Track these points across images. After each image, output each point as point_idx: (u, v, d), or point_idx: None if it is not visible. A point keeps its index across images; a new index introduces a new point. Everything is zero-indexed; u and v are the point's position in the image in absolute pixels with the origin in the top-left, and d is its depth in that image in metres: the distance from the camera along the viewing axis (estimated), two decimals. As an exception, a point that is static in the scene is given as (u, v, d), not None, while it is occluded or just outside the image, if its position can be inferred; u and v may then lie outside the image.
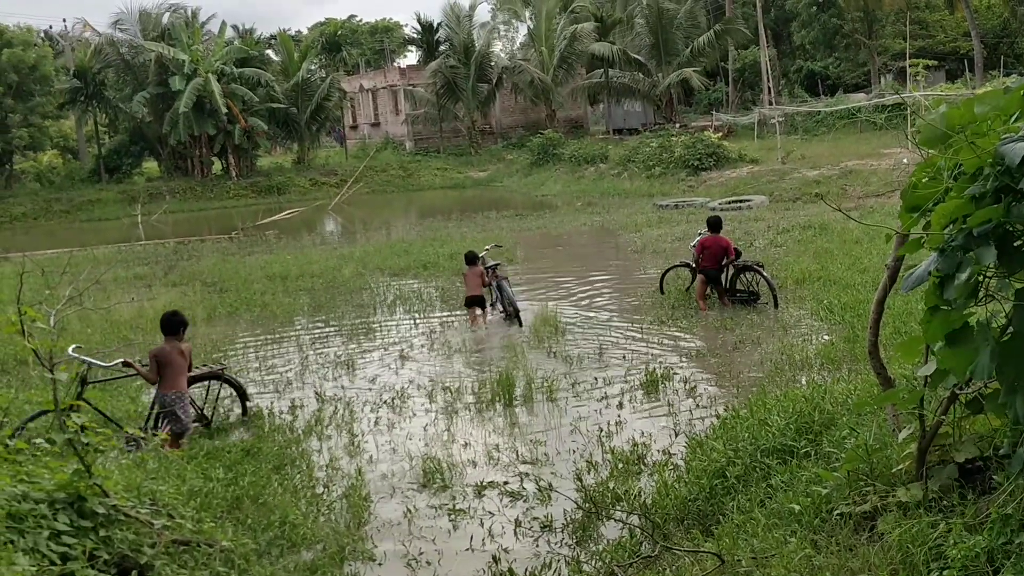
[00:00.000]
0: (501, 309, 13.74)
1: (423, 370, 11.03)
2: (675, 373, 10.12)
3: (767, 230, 20.81)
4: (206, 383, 9.43)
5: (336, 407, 9.74)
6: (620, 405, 9.21)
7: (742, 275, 13.32)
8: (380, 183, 47.42)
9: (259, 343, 13.05)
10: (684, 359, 10.86)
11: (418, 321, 14.11)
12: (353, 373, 10.47)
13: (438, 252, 20.37)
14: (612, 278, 16.29)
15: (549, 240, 23.49)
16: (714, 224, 13.58)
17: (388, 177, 48.46)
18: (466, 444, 8.37)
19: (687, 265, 14.19)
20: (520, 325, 13.10)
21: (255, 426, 9.13)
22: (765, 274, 13.14)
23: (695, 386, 9.64)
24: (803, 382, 8.72)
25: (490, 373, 10.41)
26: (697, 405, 9.01)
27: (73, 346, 8.60)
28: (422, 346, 12.48)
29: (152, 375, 8.39)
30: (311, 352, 12.38)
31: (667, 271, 14.52)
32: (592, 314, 13.89)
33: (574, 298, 15.25)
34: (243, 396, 9.48)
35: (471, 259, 14.03)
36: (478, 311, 13.62)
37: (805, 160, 31.90)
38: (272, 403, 9.95)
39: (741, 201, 27.00)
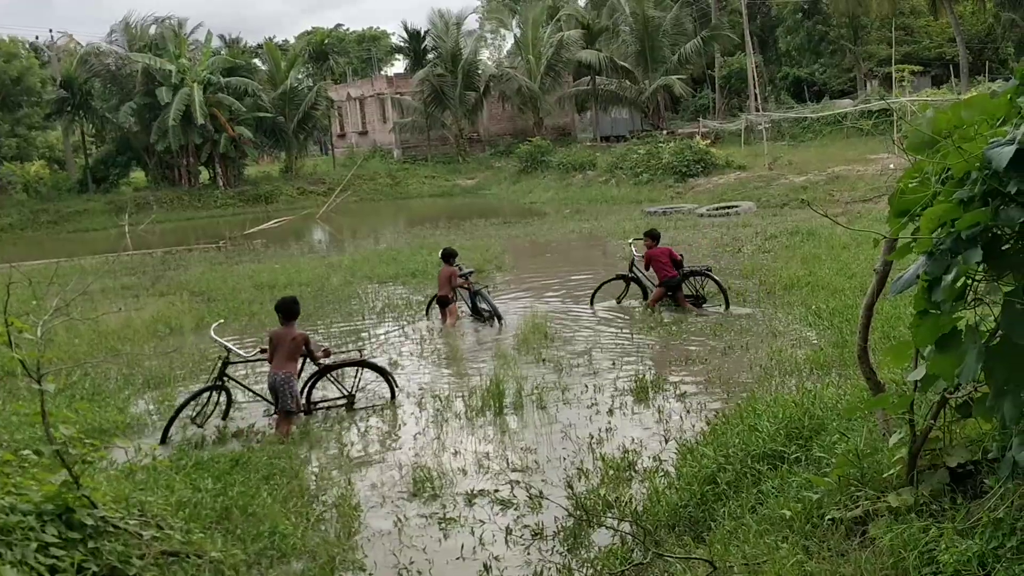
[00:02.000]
0: (469, 313, 14.24)
1: (412, 378, 11.01)
2: (665, 379, 10.13)
3: (755, 236, 20.87)
4: (353, 370, 10.13)
5: (325, 416, 9.73)
6: (610, 412, 9.22)
7: (687, 280, 13.94)
8: (368, 191, 47.42)
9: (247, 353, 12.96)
10: (674, 365, 10.87)
11: (407, 329, 14.12)
12: (342, 382, 10.42)
13: (426, 260, 20.38)
14: (606, 284, 16.19)
15: (537, 247, 23.52)
16: (655, 235, 14.19)
17: (376, 185, 48.48)
18: (456, 452, 8.35)
19: (623, 277, 14.62)
20: (499, 324, 13.51)
21: (244, 436, 9.12)
22: (715, 277, 13.79)
23: (685, 392, 9.64)
24: (793, 387, 8.74)
25: (480, 380, 10.40)
26: (687, 411, 9.01)
27: (215, 324, 10.31)
28: (411, 354, 12.47)
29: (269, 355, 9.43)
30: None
31: (600, 285, 14.75)
32: (581, 321, 13.92)
33: (563, 305, 15.29)
34: (389, 380, 10.11)
35: (446, 256, 14.30)
36: (453, 309, 14.04)
37: (792, 166, 32.04)
38: (261, 413, 9.92)
39: (729, 207, 27.09)
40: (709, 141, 38.93)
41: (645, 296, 14.44)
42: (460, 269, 14.31)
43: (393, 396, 10.03)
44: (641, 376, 10.13)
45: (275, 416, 9.31)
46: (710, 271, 14.00)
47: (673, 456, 7.43)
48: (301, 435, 9.01)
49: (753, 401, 7.75)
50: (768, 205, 27.54)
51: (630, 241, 15.71)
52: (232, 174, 47.90)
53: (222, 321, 12.41)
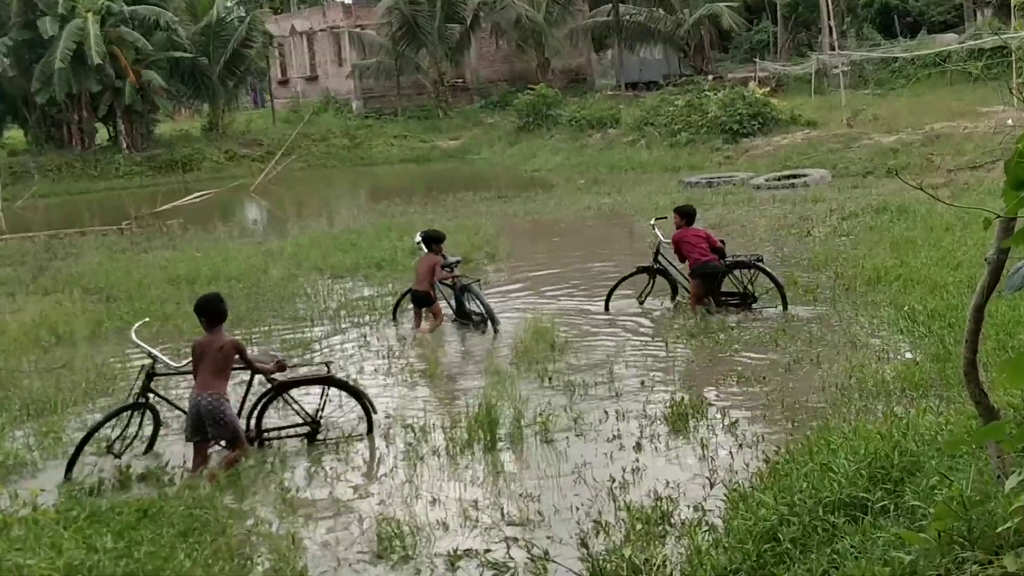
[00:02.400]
0: (454, 316, 14.36)
1: (378, 402, 10.94)
2: (710, 403, 10.11)
3: (829, 214, 20.87)
4: (318, 389, 10.19)
5: (263, 452, 9.70)
6: (638, 446, 9.18)
7: (732, 273, 14.04)
8: (319, 156, 47.38)
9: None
10: (721, 385, 10.84)
11: (370, 337, 14.13)
12: (283, 407, 10.41)
13: (396, 246, 20.32)
14: (626, 279, 16.20)
15: (542, 230, 23.45)
16: (688, 214, 14.36)
17: (329, 148, 48.47)
18: (434, 500, 8.31)
19: (645, 270, 14.70)
20: (495, 330, 13.62)
21: (155, 477, 9.08)
22: (767, 269, 13.93)
23: (736, 420, 9.61)
24: (879, 414, 8.72)
25: (466, 405, 10.36)
26: (739, 445, 8.98)
27: (138, 324, 10.36)
28: (376, 370, 12.46)
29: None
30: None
31: (619, 282, 14.85)
32: (599, 326, 13.90)
33: (576, 306, 15.28)
34: (365, 404, 10.04)
35: (429, 241, 14.38)
36: (436, 310, 14.18)
37: (878, 122, 32.03)
38: (178, 447, 9.89)
39: (795, 176, 27.13)
40: (768, 89, 38.92)
41: (674, 292, 14.52)
42: (444, 259, 14.36)
43: (371, 425, 10.03)
44: (678, 399, 10.09)
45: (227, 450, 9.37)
46: (761, 261, 14.11)
47: (720, 505, 7.39)
48: (229, 476, 8.95)
49: (826, 432, 7.72)
50: (846, 173, 27.51)
51: (653, 221, 15.73)
52: (139, 133, 47.82)
53: (146, 320, 12.33)
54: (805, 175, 27.10)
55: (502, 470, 8.95)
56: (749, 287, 13.97)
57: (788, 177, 27.16)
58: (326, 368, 10.31)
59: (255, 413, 9.88)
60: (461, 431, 9.69)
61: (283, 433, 10.00)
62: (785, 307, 13.53)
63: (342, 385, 10.32)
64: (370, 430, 10.02)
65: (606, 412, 10.13)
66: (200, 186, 38.77)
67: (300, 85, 61.12)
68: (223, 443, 9.38)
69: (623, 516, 7.52)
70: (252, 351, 11.49)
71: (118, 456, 9.48)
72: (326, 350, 13.49)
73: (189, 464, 9.35)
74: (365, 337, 14.10)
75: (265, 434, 9.92)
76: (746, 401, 10.25)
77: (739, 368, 11.34)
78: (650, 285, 14.62)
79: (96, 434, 9.56)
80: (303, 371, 10.49)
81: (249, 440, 9.68)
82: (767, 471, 7.51)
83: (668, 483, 8.15)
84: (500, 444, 9.44)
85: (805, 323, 12.94)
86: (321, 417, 10.04)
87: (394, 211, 27.88)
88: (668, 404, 10.02)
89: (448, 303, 14.54)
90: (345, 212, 29.84)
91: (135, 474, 9.20)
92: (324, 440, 9.94)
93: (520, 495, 8.26)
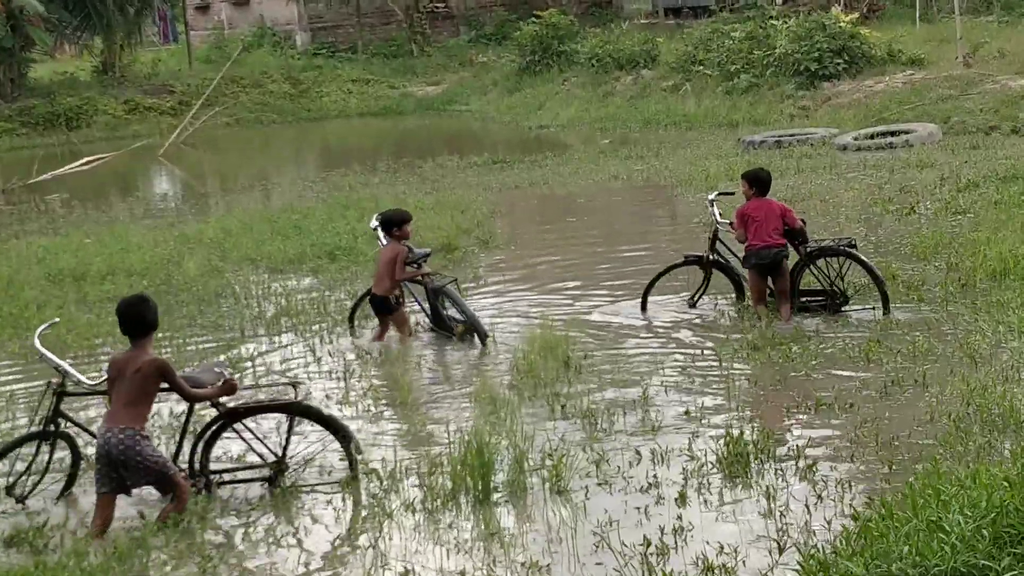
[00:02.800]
0: (430, 325, 14.47)
1: (330, 440, 10.96)
2: (779, 440, 10.09)
3: (939, 185, 20.87)
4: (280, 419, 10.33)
5: (206, 500, 9.59)
6: (681, 499, 9.11)
7: (814, 264, 14.00)
8: (250, 107, 47.34)
9: (34, 390, 12.78)
10: (795, 414, 10.85)
11: (320, 352, 14.14)
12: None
13: (354, 230, 20.25)
14: (669, 272, 16.00)
15: (554, 206, 23.49)
16: (762, 181, 14.31)
17: (265, 96, 48.42)
18: (407, 572, 8.27)
19: (696, 261, 14.70)
20: (483, 344, 13.70)
21: (29, 541, 9.04)
22: (863, 258, 13.85)
23: (814, 462, 9.55)
24: (1005, 453, 8.67)
25: (450, 444, 10.22)
26: (818, 496, 8.90)
27: (44, 326, 10.59)
28: (329, 395, 12.46)
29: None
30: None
31: (660, 274, 14.90)
32: (629, 336, 13.92)
33: (597, 310, 15.32)
34: (345, 438, 10.11)
35: (389, 224, 14.38)
36: (402, 318, 14.34)
37: (1005, 60, 31.96)
38: (59, 498, 9.89)
39: (893, 134, 27.11)
40: (858, 16, 38.79)
41: (739, 291, 14.53)
42: (410, 250, 14.24)
43: (353, 466, 10.05)
44: (736, 434, 9.99)
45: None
46: (854, 247, 14.00)
47: None
48: (130, 539, 8.90)
49: (935, 479, 7.68)
50: (962, 130, 27.43)
51: (713, 197, 15.61)
52: (8, 78, 47.75)
53: (56, 321, 12.27)
54: (907, 132, 27.04)
55: (498, 530, 8.85)
56: (838, 283, 13.96)
57: (884, 135, 27.08)
58: (293, 391, 10.40)
59: (199, 447, 9.89)
60: (443, 478, 9.63)
61: (238, 476, 10.04)
62: (887, 309, 13.53)
63: (315, 416, 10.31)
64: (355, 476, 10.05)
65: (638, 453, 10.07)
66: (91, 148, 38.66)
67: (225, 12, 60.97)
68: (155, 489, 9.40)
69: (662, 594, 7.50)
70: (188, 369, 11.55)
71: (20, 501, 9.51)
72: (261, 369, 13.45)
73: (78, 520, 9.33)
74: (314, 352, 14.06)
75: (214, 476, 9.93)
76: (828, 437, 10.19)
77: (819, 392, 11.27)
78: (705, 282, 14.64)
79: None
80: (262, 396, 10.55)
81: (194, 486, 9.70)
82: (856, 531, 7.45)
83: (723, 548, 8.03)
84: (496, 496, 9.35)
85: (907, 331, 12.90)
86: (286, 457, 10.04)
87: (352, 182, 27.85)
88: (722, 441, 9.92)
89: (422, 307, 14.58)
90: (287, 184, 29.73)
91: (3, 535, 9.17)
92: (293, 486, 9.96)
93: (523, 565, 8.13)
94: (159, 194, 31.20)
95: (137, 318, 9.50)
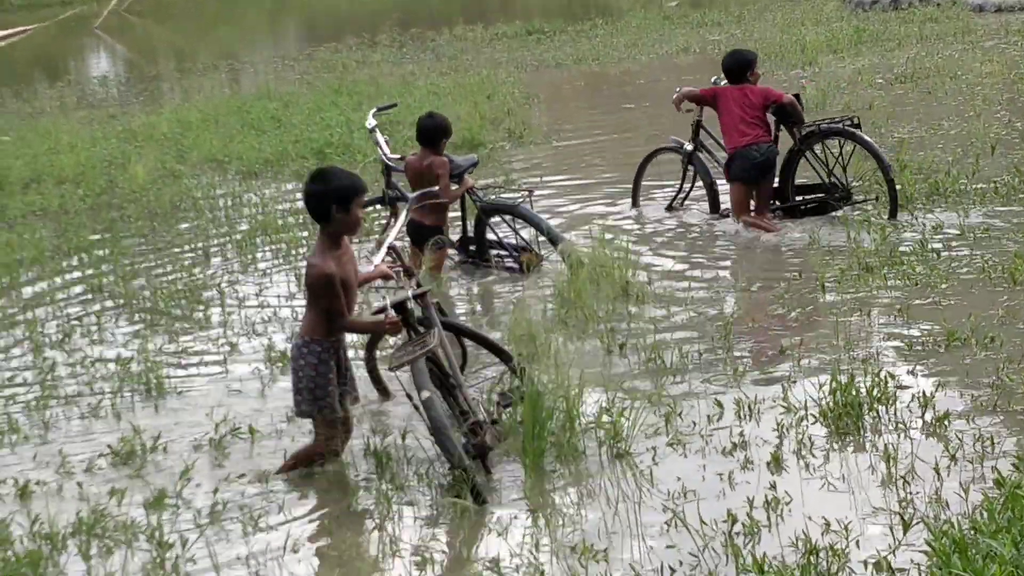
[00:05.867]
0: (465, 255, 13.36)
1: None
2: (899, 385, 9.22)
3: None
4: None
5: (114, 498, 8.52)
6: (776, 462, 8.31)
7: (812, 149, 13.62)
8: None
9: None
10: (918, 353, 9.89)
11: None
12: (158, 412, 9.66)
13: (349, 121, 19.84)
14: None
15: (605, 90, 23.45)
16: (738, 64, 13.75)
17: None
18: (423, 561, 7.42)
19: (675, 149, 14.51)
20: (534, 263, 12.96)
21: None
22: (868, 139, 13.31)
23: (946, 415, 8.65)
24: None
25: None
26: (952, 457, 8.07)
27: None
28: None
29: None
30: (58, 359, 11.46)
31: (646, 160, 14.82)
32: (707, 247, 13.40)
33: (664, 224, 14.52)
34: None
35: (432, 133, 12.62)
36: (449, 252, 13.05)
37: None
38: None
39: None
40: None
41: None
42: (452, 162, 12.87)
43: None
44: (845, 380, 9.02)
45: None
46: (858, 127, 13.32)
47: (922, 560, 6.73)
48: (52, 543, 7.90)
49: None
50: None
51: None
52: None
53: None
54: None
55: (545, 502, 8.18)
56: (841, 172, 13.51)
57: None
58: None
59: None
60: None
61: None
62: (894, 212, 13.18)
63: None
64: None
65: (719, 404, 9.20)
66: (9, 20, 38.63)
67: None
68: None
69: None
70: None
71: None
72: (232, 307, 12.52)
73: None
74: (299, 280, 12.96)
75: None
76: (964, 382, 9.29)
77: (951, 324, 10.29)
78: (688, 181, 14.59)
79: None
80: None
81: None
82: (1001, 501, 6.93)
83: (828, 524, 7.33)
84: (546, 457, 8.60)
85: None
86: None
87: (346, 61, 27.79)
88: (827, 388, 9.02)
89: (451, 246, 13.37)
90: (261, 63, 30.32)
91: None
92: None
93: (574, 549, 7.38)
94: (96, 77, 32.03)
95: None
